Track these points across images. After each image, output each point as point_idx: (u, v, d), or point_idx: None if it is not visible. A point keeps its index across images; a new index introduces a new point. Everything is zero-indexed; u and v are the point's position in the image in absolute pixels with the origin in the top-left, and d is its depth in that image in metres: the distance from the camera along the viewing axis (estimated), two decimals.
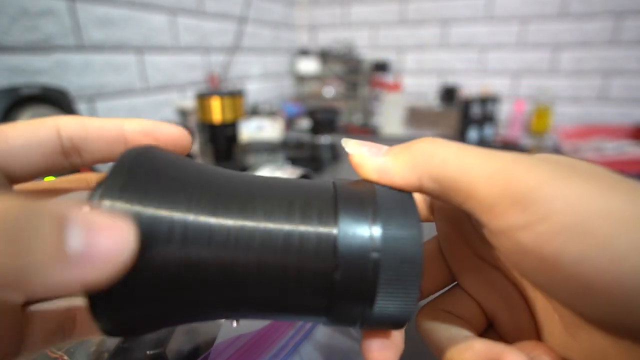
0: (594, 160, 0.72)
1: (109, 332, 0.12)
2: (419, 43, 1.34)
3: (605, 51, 1.12)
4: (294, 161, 0.65)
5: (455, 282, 0.18)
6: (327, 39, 1.46)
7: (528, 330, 0.15)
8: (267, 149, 0.64)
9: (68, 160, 0.14)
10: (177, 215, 0.12)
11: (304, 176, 0.34)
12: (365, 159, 0.15)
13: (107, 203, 0.11)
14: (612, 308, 0.10)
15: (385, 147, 0.15)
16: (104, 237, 0.09)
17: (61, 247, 0.08)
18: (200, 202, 0.12)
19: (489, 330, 0.17)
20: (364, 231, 0.13)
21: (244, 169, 0.60)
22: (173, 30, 0.86)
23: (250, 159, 0.63)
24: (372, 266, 0.12)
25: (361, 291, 0.13)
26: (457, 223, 0.17)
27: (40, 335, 0.13)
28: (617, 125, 1.01)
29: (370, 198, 0.14)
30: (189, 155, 0.47)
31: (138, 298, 0.11)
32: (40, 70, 0.60)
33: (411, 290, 0.13)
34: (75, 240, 0.09)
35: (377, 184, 0.14)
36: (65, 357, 0.22)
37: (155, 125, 0.15)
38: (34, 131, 0.13)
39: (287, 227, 0.13)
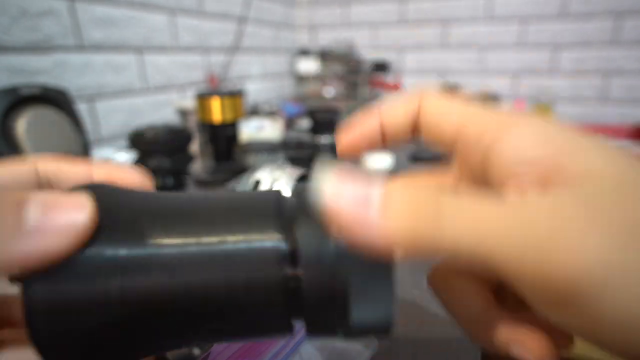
0: None
1: None
2: (419, 43, 1.34)
3: (605, 51, 1.12)
4: (294, 161, 0.65)
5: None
6: (327, 39, 1.46)
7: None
8: (267, 149, 0.64)
9: None
10: (118, 244, 0.11)
11: (304, 176, 0.34)
12: (353, 222, 0.10)
13: None
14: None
15: (374, 189, 0.11)
16: (58, 211, 0.11)
17: (19, 222, 0.10)
18: (140, 229, 0.12)
19: None
20: (326, 243, 0.12)
21: (243, 169, 0.60)
22: (173, 30, 0.86)
23: (250, 159, 0.63)
24: (341, 275, 0.12)
25: (332, 303, 0.12)
26: None
27: None
28: (617, 125, 1.01)
29: None
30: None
31: (81, 336, 0.11)
32: (40, 70, 0.60)
33: (387, 294, 0.12)
34: (32, 216, 0.10)
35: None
36: None
37: (119, 170, 0.16)
38: (16, 167, 0.14)
39: (231, 240, 0.12)
